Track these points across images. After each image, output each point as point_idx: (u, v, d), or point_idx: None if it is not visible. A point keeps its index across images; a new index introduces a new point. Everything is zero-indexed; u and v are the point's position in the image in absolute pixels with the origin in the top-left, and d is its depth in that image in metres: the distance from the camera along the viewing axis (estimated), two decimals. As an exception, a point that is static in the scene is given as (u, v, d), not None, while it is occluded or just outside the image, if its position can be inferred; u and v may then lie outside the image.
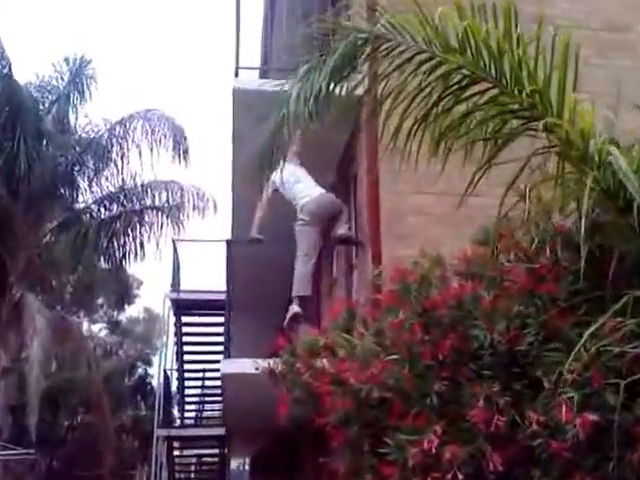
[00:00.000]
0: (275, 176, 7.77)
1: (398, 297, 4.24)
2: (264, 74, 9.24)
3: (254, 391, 7.79)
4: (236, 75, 8.47)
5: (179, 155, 14.49)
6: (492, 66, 3.91)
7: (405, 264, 6.03)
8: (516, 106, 3.91)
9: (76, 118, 15.24)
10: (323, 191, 8.44)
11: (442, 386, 3.58)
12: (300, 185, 8.39)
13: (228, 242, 8.49)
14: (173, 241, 16.78)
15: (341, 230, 8.14)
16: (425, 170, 7.05)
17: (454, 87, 4.08)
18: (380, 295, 5.27)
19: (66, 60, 15.28)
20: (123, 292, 31.49)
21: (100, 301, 33.44)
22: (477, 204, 7.08)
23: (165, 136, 14.30)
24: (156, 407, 19.18)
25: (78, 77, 15.16)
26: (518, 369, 3.51)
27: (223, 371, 7.70)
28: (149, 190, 15.73)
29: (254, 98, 8.29)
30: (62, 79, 15.23)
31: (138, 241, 14.92)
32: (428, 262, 4.76)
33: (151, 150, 14.39)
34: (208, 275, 17.68)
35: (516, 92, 3.82)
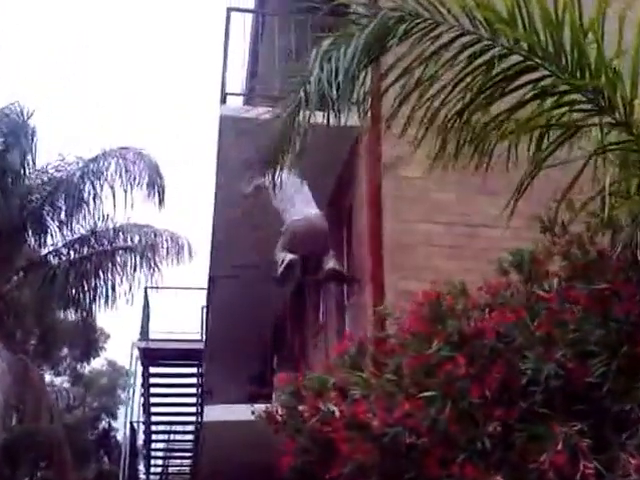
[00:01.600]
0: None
1: (429, 324, 3.68)
2: (248, 101, 8.74)
3: (240, 440, 7.15)
4: (223, 102, 7.98)
5: (154, 194, 13.90)
6: (549, 45, 3.36)
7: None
8: (576, 96, 3.39)
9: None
10: (318, 212, 7.85)
11: (496, 427, 3.01)
12: (300, 196, 7.80)
13: (211, 278, 7.87)
14: (145, 289, 16.17)
15: (330, 264, 7.55)
16: (434, 197, 6.65)
17: (499, 77, 3.55)
18: (388, 330, 4.76)
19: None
20: (88, 344, 30.47)
21: (64, 353, 32.36)
22: (487, 235, 6.65)
23: (140, 174, 13.72)
24: (122, 461, 18.32)
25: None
26: (584, 405, 2.96)
27: (206, 418, 7.01)
28: (121, 234, 15.11)
29: (241, 125, 7.86)
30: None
31: (110, 284, 14.19)
32: (450, 292, 4.26)
33: (125, 190, 13.78)
34: (178, 323, 17.15)
35: (577, 79, 3.29)
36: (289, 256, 7.53)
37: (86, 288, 14.19)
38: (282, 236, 7.71)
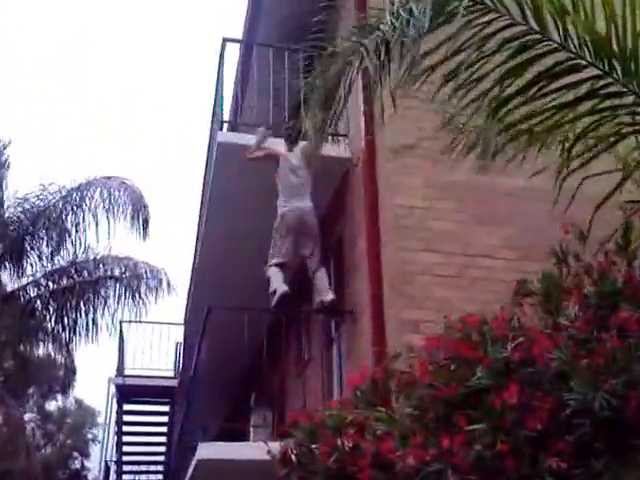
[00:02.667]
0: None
1: (470, 350, 3.46)
2: (233, 128, 8.66)
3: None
4: (220, 128, 7.89)
5: (138, 225, 13.73)
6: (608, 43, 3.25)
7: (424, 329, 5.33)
8: (630, 98, 3.29)
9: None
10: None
11: (558, 463, 2.80)
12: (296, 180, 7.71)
13: (210, 308, 7.66)
14: (120, 323, 15.88)
15: (329, 297, 7.40)
16: (434, 225, 6.56)
17: (542, 75, 3.44)
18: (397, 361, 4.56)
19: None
20: (59, 380, 29.81)
21: (31, 389, 31.63)
22: (487, 265, 6.57)
23: (124, 205, 13.57)
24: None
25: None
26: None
27: (200, 456, 6.72)
28: (102, 265, 14.88)
29: (237, 153, 7.77)
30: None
31: (90, 317, 13.89)
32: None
33: (108, 220, 13.61)
34: (153, 359, 16.80)
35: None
36: (283, 287, 7.38)
37: (66, 321, 13.89)
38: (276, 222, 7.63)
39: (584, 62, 3.40)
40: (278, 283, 7.40)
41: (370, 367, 5.32)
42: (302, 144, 7.54)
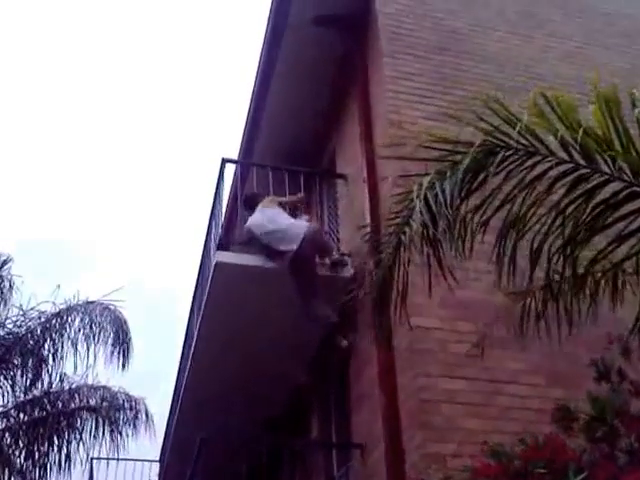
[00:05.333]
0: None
1: None
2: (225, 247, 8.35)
3: None
4: (218, 248, 7.53)
5: (119, 353, 13.13)
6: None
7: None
8: None
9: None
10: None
11: None
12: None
13: (202, 439, 7.06)
14: (91, 460, 14.90)
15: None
16: (454, 348, 6.09)
17: (600, 207, 3.18)
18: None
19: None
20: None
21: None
22: (512, 392, 6.07)
23: (105, 331, 13.02)
24: None
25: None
26: None
27: None
28: (77, 395, 14.09)
29: (235, 273, 7.42)
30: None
31: (64, 451, 12.95)
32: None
33: (87, 348, 13.00)
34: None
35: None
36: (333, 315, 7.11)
37: (37, 457, 12.93)
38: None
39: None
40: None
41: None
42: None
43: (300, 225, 7.45)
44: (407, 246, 3.80)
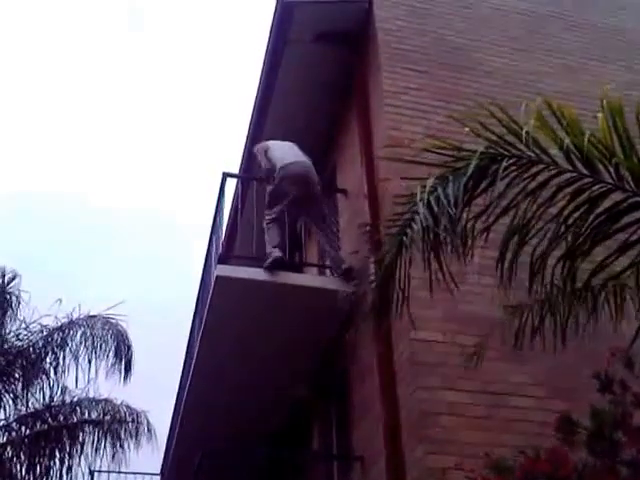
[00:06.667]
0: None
1: None
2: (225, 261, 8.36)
3: None
4: (219, 262, 7.57)
5: (120, 367, 13.18)
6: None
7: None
8: None
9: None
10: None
11: None
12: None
13: (203, 453, 7.05)
14: (91, 473, 14.89)
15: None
16: (456, 361, 6.10)
17: (602, 217, 3.21)
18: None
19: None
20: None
21: None
22: (513, 405, 6.08)
23: (107, 345, 13.06)
24: None
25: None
26: None
27: None
28: (78, 408, 14.09)
29: (236, 287, 7.44)
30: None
31: (66, 465, 12.94)
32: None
33: (89, 361, 13.04)
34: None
35: None
36: (276, 251, 7.38)
37: (38, 469, 12.92)
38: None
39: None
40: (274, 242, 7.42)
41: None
42: None
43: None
44: (409, 248, 3.81)
